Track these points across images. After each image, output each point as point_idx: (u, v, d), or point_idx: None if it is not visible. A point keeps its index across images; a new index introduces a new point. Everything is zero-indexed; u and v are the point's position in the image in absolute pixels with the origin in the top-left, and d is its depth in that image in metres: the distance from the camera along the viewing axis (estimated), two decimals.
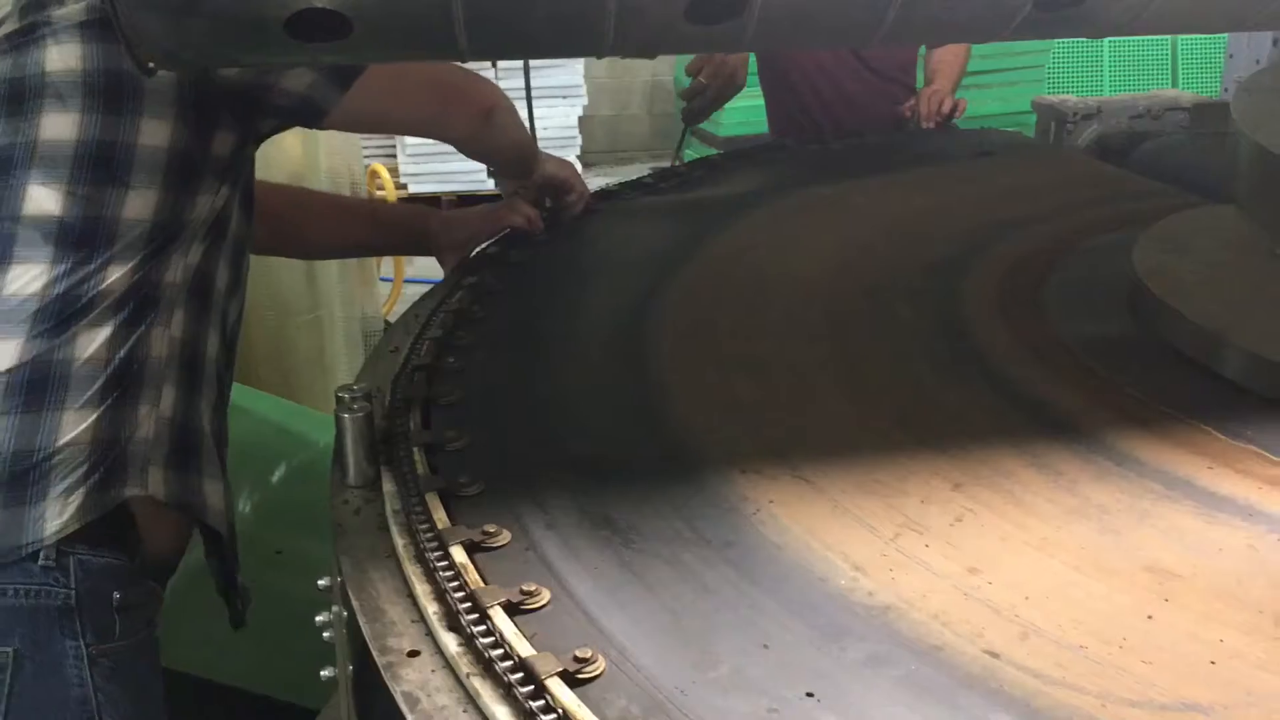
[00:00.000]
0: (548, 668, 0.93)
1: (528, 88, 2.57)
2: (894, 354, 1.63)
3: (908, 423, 1.40)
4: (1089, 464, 1.27)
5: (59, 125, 1.49)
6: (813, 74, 3.39)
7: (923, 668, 0.95)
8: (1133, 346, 1.59)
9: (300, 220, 2.04)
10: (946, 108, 3.21)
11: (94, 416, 1.45)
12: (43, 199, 1.47)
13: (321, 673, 1.43)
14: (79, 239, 1.47)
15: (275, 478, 2.64)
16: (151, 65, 1.13)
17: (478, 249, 2.13)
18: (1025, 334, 1.66)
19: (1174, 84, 8.11)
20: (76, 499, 1.43)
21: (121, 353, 1.48)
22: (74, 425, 1.43)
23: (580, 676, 0.94)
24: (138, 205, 1.51)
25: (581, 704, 0.90)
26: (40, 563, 1.39)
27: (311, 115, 1.67)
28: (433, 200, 6.78)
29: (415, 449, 1.33)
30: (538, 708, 0.91)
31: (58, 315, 1.45)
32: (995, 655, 0.96)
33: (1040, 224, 2.16)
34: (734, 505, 1.21)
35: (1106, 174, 2.67)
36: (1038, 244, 2.03)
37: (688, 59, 3.12)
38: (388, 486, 1.29)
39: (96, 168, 1.49)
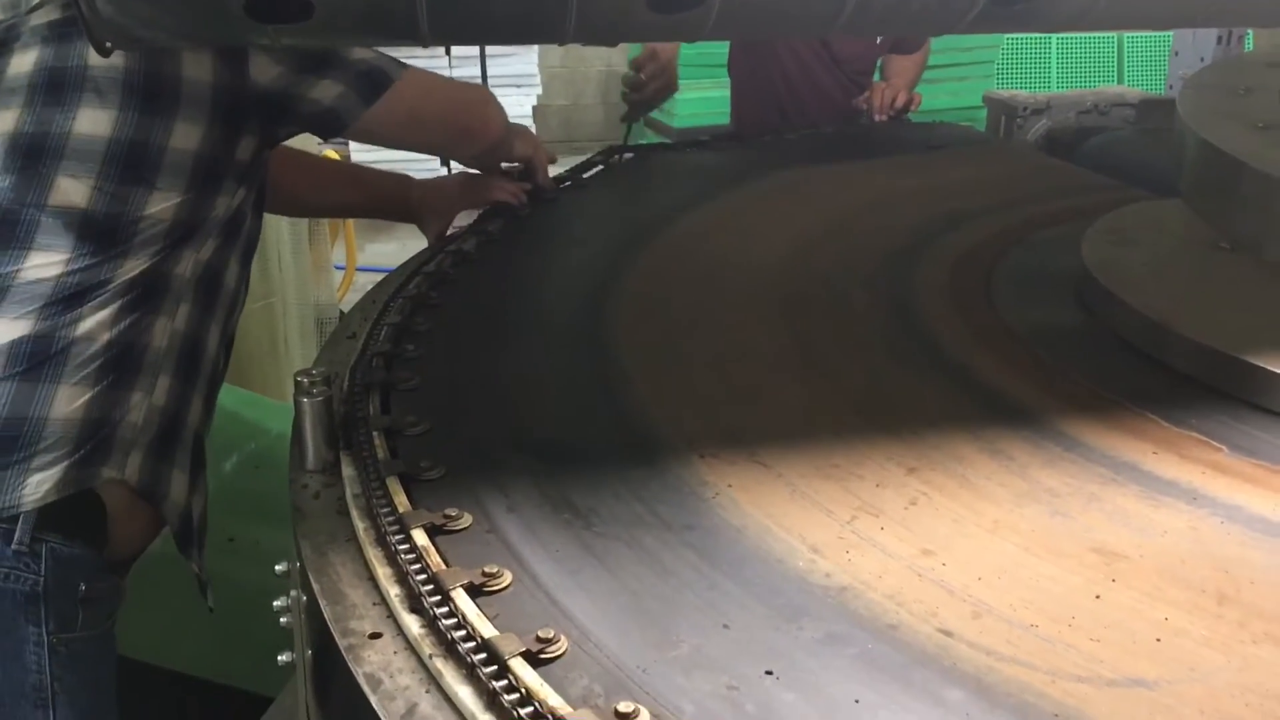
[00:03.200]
0: (510, 648, 0.94)
1: (484, 76, 2.61)
2: (849, 342, 1.65)
3: (863, 409, 1.42)
4: (1039, 449, 1.30)
5: (95, 121, 1.51)
6: (788, 63, 3.42)
7: (878, 646, 0.97)
8: (1081, 336, 1.63)
9: (289, 176, 2.03)
10: (900, 102, 3.25)
11: (88, 396, 1.46)
12: (70, 191, 1.49)
13: (279, 657, 1.43)
14: (100, 233, 1.50)
15: (228, 466, 2.62)
16: (109, 45, 1.13)
17: (460, 220, 2.16)
18: (977, 323, 1.69)
19: (1119, 80, 8.25)
20: (57, 472, 1.43)
21: (122, 338, 1.50)
22: (67, 401, 1.45)
23: (543, 656, 0.95)
24: (160, 205, 1.54)
25: (544, 683, 0.91)
26: (13, 546, 1.40)
27: (333, 127, 1.73)
28: None
29: (375, 433, 1.33)
30: (501, 687, 0.91)
31: (67, 299, 1.47)
32: (949, 634, 0.98)
33: (991, 216, 2.20)
34: (693, 489, 1.22)
35: (1055, 168, 2.71)
36: (988, 236, 2.07)
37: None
38: (347, 471, 1.29)
39: (126, 167, 1.51)
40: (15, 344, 1.43)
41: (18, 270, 1.46)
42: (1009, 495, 1.20)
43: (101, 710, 1.52)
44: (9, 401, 1.41)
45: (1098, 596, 1.03)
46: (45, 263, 1.47)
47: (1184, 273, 1.72)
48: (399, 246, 2.18)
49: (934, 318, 1.72)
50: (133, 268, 1.52)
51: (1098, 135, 2.93)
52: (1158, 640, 0.97)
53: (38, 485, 1.41)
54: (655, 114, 8.11)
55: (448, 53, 7.48)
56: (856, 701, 0.90)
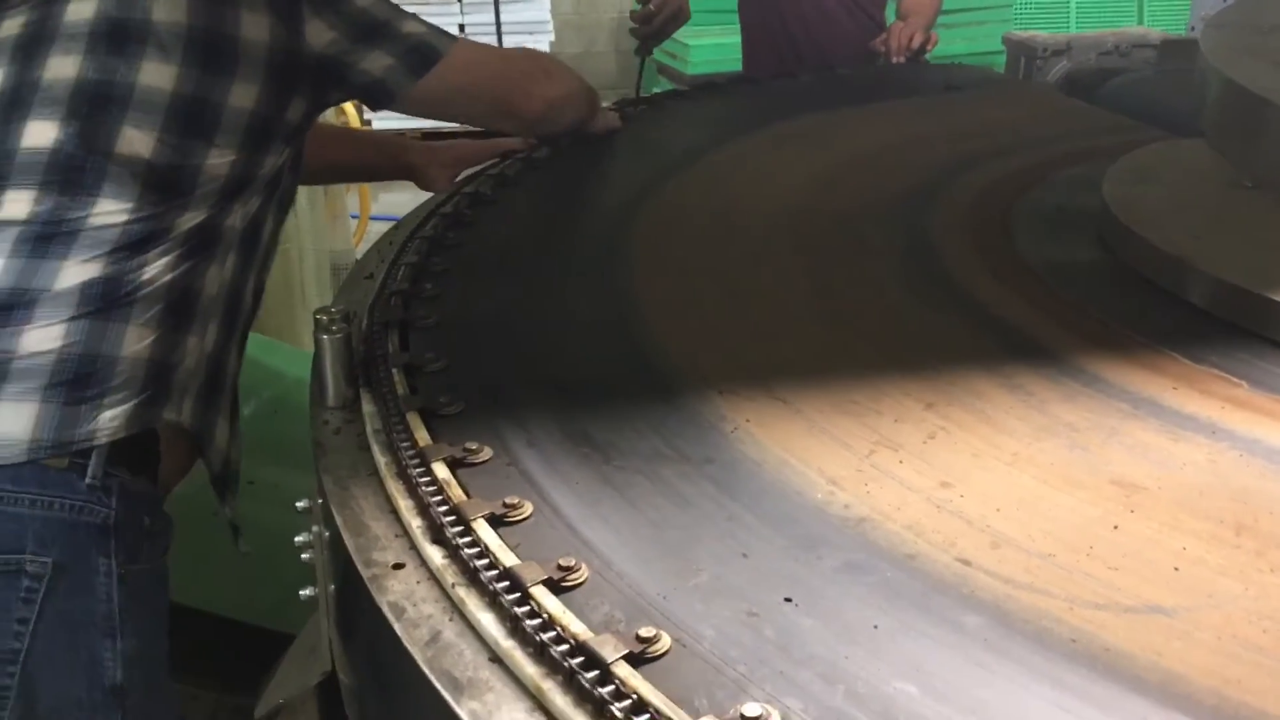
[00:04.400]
0: (533, 575, 0.95)
1: (497, 23, 2.58)
2: (866, 280, 1.65)
3: (881, 346, 1.42)
4: (1058, 385, 1.30)
5: (159, 74, 1.54)
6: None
7: (897, 574, 0.97)
8: (1101, 274, 1.62)
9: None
10: (916, 42, 3.22)
11: (152, 337, 1.50)
12: (135, 141, 1.52)
13: (301, 592, 1.45)
14: (163, 184, 1.53)
15: (247, 410, 2.62)
16: None
17: (470, 170, 2.17)
18: (995, 260, 1.68)
19: (1139, 22, 8.13)
20: (128, 409, 1.47)
21: (180, 283, 1.54)
22: (136, 340, 1.49)
23: (564, 584, 0.96)
24: (216, 160, 1.57)
25: (566, 609, 0.92)
26: (87, 481, 1.44)
27: (382, 97, 1.77)
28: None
29: (394, 370, 1.33)
30: (523, 613, 0.92)
31: (132, 245, 1.50)
32: (967, 563, 0.98)
33: (1010, 157, 2.18)
34: (712, 424, 1.22)
35: (1075, 109, 2.68)
36: (1007, 175, 2.05)
37: None
38: (367, 407, 1.30)
39: (188, 121, 1.55)
40: (87, 285, 1.46)
41: (86, 215, 1.49)
42: (1028, 429, 1.20)
43: (159, 639, 1.58)
44: (83, 338, 1.45)
45: (1116, 527, 1.03)
46: (112, 209, 1.49)
47: (1205, 210, 1.70)
48: (412, 196, 2.18)
49: (952, 256, 1.71)
50: (191, 219, 1.55)
51: (1118, 76, 2.90)
52: (1175, 569, 0.97)
53: (110, 420, 1.45)
54: (670, 61, 8.05)
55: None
56: (875, 627, 0.91)
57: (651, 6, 2.93)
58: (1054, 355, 1.37)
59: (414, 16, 1.80)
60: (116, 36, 1.54)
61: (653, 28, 2.97)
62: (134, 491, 1.50)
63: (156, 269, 1.51)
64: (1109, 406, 1.25)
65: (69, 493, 1.43)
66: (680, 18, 3.01)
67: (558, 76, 2.09)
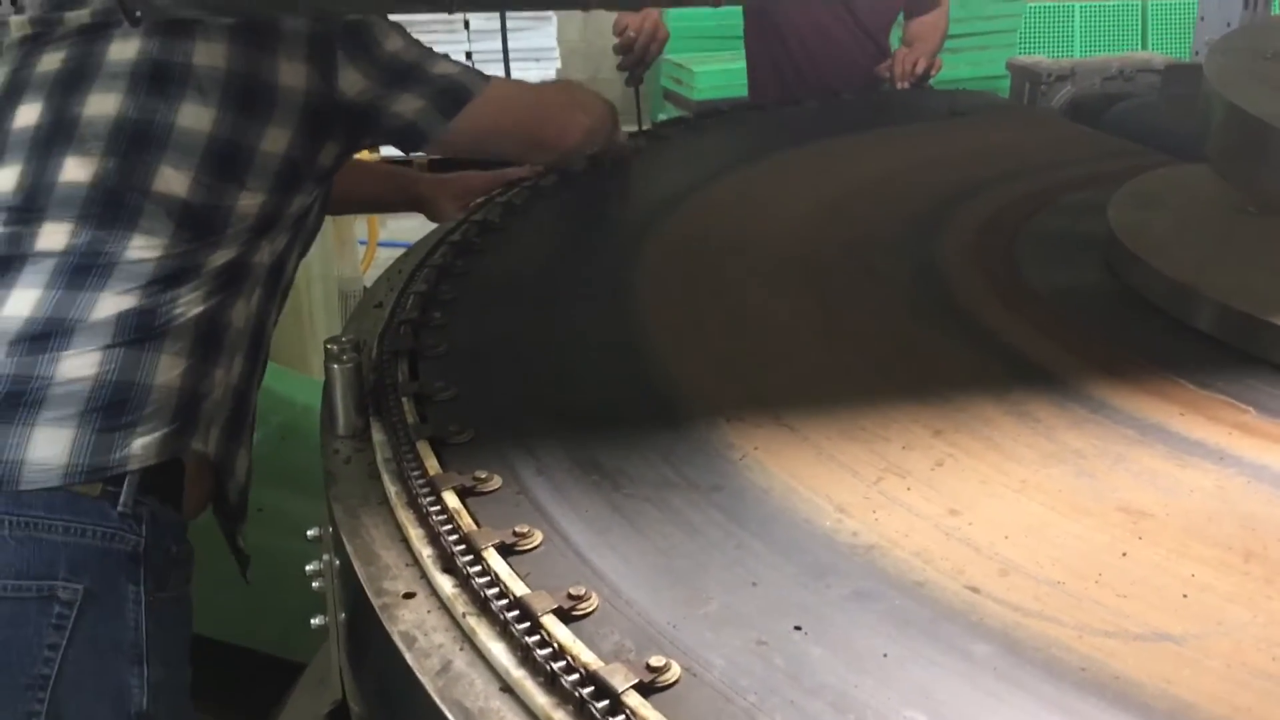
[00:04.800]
0: (543, 605, 0.96)
1: (504, 50, 2.60)
2: (874, 306, 1.66)
3: (889, 372, 1.43)
4: (1065, 411, 1.30)
5: (197, 116, 1.58)
6: (802, 26, 3.42)
7: (906, 602, 0.97)
8: (1107, 300, 1.62)
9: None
10: (921, 68, 3.24)
11: (184, 367, 1.53)
12: (172, 180, 1.55)
13: (312, 621, 1.45)
14: (197, 222, 1.57)
15: (256, 437, 2.64)
16: (139, 14, 1.15)
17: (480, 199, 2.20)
18: (1002, 286, 1.69)
19: (1143, 46, 8.16)
20: (159, 437, 1.50)
21: (211, 316, 1.57)
22: (167, 370, 1.51)
23: (575, 613, 0.96)
24: (248, 202, 1.61)
25: (576, 639, 0.92)
26: (119, 509, 1.45)
27: (415, 140, 1.80)
28: (404, 163, 6.76)
29: (404, 399, 1.34)
30: (533, 643, 0.93)
31: (166, 279, 1.53)
32: (976, 590, 0.99)
33: (1015, 182, 2.19)
34: (720, 451, 1.23)
35: (1080, 134, 2.70)
36: (1013, 201, 2.06)
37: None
38: (378, 436, 1.30)
39: (223, 163, 1.59)
40: (122, 316, 1.49)
41: (123, 250, 1.52)
42: (1035, 456, 1.21)
43: (182, 667, 1.59)
44: (119, 367, 1.48)
45: (1124, 554, 1.04)
46: (147, 244, 1.53)
47: (1210, 236, 1.71)
48: (420, 223, 2.21)
49: (959, 282, 1.72)
50: (222, 256, 1.59)
51: (1123, 101, 2.91)
52: (1184, 596, 0.98)
53: (142, 448, 1.48)
54: (676, 87, 8.09)
55: (466, 26, 7.49)
56: (884, 655, 0.91)
57: (630, 33, 2.95)
58: (1061, 381, 1.37)
59: (445, 57, 1.83)
60: (158, 78, 1.58)
61: (635, 55, 2.98)
62: (162, 520, 1.51)
63: (188, 302, 1.54)
64: (1116, 433, 1.25)
65: (101, 520, 1.45)
66: (659, 37, 3.02)
67: (589, 106, 2.12)
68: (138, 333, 1.49)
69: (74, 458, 1.43)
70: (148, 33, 1.60)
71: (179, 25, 1.59)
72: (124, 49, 1.59)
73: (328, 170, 1.74)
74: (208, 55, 1.59)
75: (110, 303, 1.49)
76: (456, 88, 1.79)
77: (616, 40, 2.96)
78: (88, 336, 1.47)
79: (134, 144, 1.55)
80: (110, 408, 1.46)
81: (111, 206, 1.53)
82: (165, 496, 1.53)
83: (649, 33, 2.95)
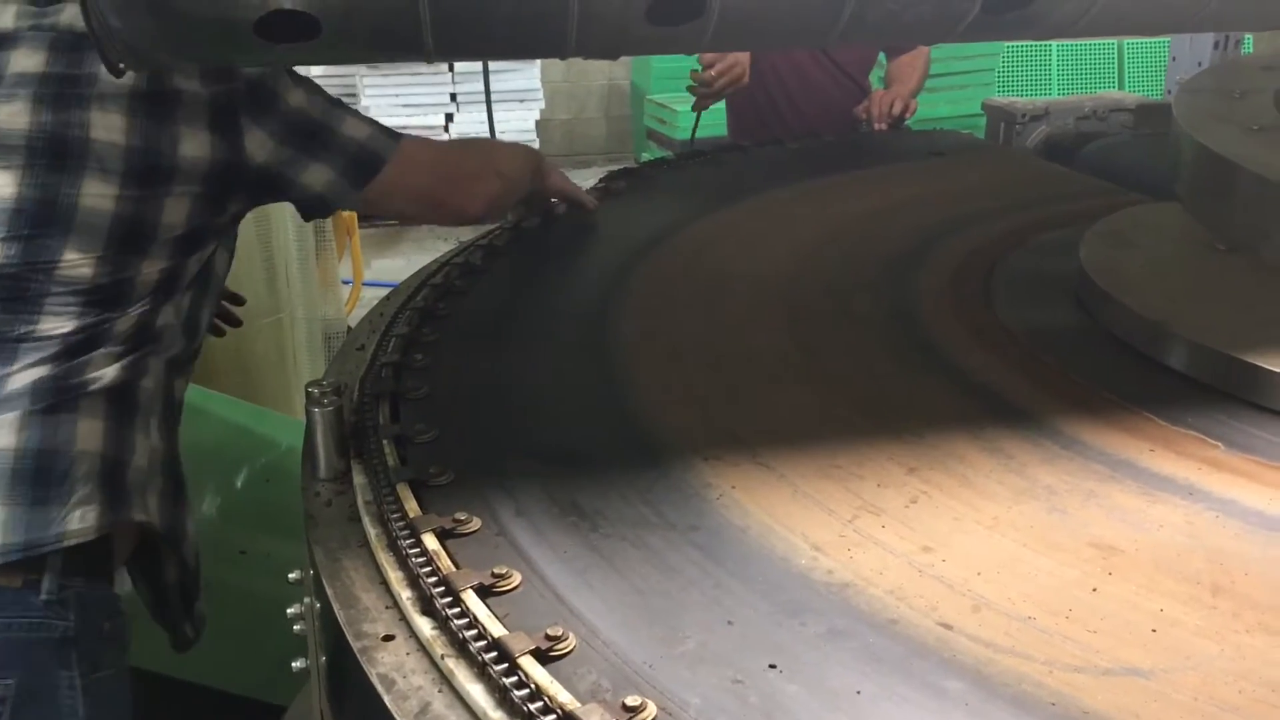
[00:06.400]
0: (520, 646, 0.97)
1: (487, 91, 2.63)
2: (850, 345, 1.68)
3: (864, 410, 1.45)
4: (1037, 448, 1.32)
5: (100, 196, 1.53)
6: (781, 67, 3.48)
7: (879, 640, 0.99)
8: (1080, 337, 1.65)
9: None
10: (898, 109, 3.28)
11: (102, 429, 1.51)
12: (79, 264, 1.52)
13: (293, 664, 1.45)
14: (104, 298, 1.54)
15: (238, 480, 2.65)
16: (121, 66, 1.16)
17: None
18: (977, 325, 1.71)
19: (1119, 86, 8.28)
20: (94, 510, 1.47)
21: (123, 377, 1.55)
22: (86, 434, 1.49)
23: (552, 654, 0.97)
24: (149, 269, 1.58)
25: (553, 679, 0.93)
26: (43, 596, 1.43)
27: (321, 210, 1.78)
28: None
29: (385, 441, 1.35)
30: (511, 684, 0.94)
31: (77, 347, 1.51)
32: (948, 627, 1.00)
33: (990, 221, 2.22)
34: (697, 491, 1.24)
35: (1054, 173, 2.74)
36: (988, 240, 2.09)
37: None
38: (358, 478, 1.31)
39: (125, 240, 1.55)
40: (37, 384, 1.48)
41: (32, 330, 1.50)
42: (1008, 493, 1.23)
43: None
44: (39, 434, 1.46)
45: (1094, 589, 1.05)
46: (56, 322, 1.51)
47: (1181, 274, 1.74)
48: (405, 262, 2.20)
49: (934, 321, 1.74)
50: (129, 320, 1.57)
51: (1096, 141, 2.96)
52: (1153, 631, 0.99)
53: (81, 519, 1.45)
54: (659, 127, 8.17)
55: (451, 69, 7.55)
56: (858, 693, 0.92)
57: (714, 72, 3.06)
58: (1033, 418, 1.39)
59: (353, 113, 1.76)
60: (56, 154, 1.52)
61: (714, 90, 3.11)
62: (90, 600, 1.49)
63: (100, 367, 1.52)
64: (1087, 469, 1.27)
65: (24, 611, 1.42)
66: (739, 81, 3.14)
67: (505, 169, 2.03)
68: (53, 397, 1.47)
69: (9, 537, 1.41)
70: (38, 101, 1.52)
71: (74, 93, 1.53)
72: (15, 116, 1.52)
73: (226, 228, 1.71)
74: (105, 129, 1.53)
75: (19, 377, 1.47)
76: (367, 156, 1.73)
77: (700, 69, 3.12)
78: (3, 409, 1.44)
79: (35, 226, 1.50)
80: (37, 477, 1.43)
81: (18, 290, 1.49)
82: (93, 572, 1.50)
83: (735, 76, 3.13)
